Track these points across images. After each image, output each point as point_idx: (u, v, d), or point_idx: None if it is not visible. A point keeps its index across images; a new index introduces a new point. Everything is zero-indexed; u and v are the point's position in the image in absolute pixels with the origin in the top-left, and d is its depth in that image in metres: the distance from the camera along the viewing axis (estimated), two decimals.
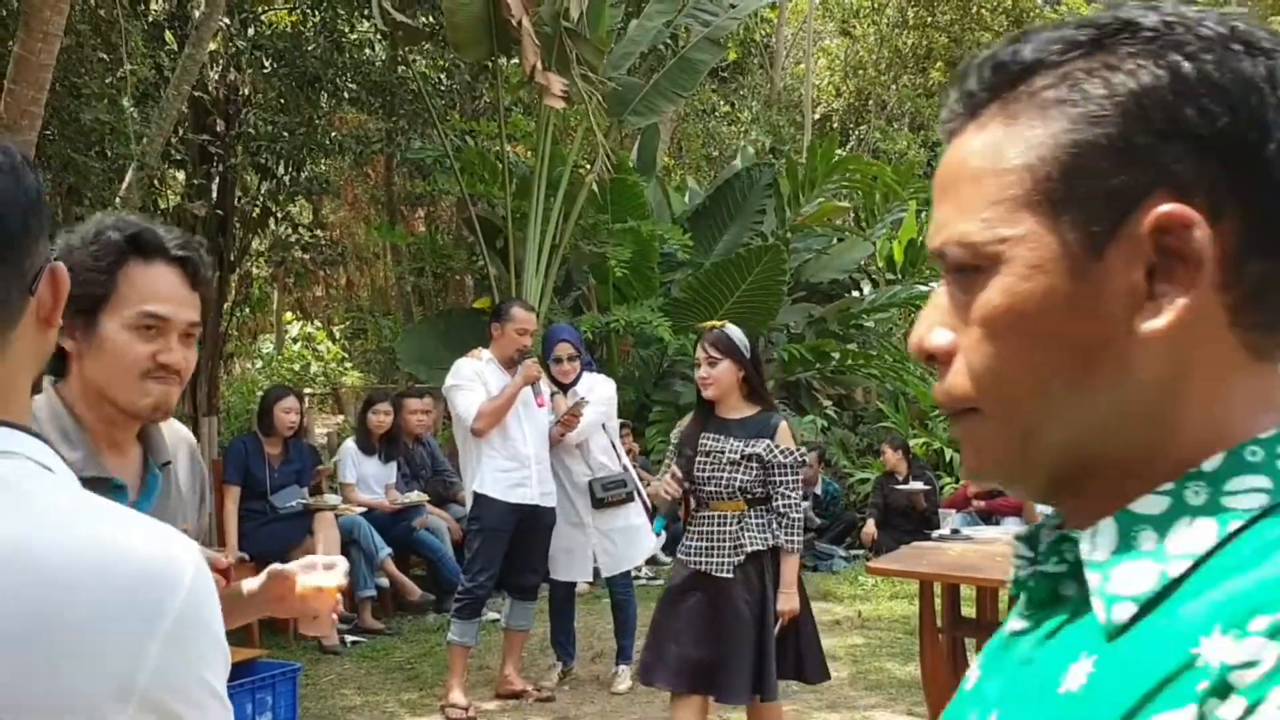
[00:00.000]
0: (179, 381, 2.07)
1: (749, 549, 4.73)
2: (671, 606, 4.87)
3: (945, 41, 30.27)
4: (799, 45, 29.37)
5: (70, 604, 0.97)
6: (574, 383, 6.68)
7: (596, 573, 6.99)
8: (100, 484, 1.96)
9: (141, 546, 1.02)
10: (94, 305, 2.02)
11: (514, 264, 11.83)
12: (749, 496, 4.76)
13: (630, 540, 6.76)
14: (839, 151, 16.13)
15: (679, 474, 4.92)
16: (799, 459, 4.79)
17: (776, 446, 4.74)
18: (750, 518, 4.76)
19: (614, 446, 6.80)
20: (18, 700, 0.95)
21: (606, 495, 6.64)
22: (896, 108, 30.76)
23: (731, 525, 4.77)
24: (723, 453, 4.77)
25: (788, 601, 4.72)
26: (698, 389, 4.88)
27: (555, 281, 12.20)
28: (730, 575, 4.74)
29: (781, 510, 4.74)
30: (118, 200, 9.00)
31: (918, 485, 10.82)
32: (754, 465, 4.74)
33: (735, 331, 4.81)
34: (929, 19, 29.75)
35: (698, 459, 4.83)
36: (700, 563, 4.81)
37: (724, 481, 4.77)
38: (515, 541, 6.41)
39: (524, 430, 6.41)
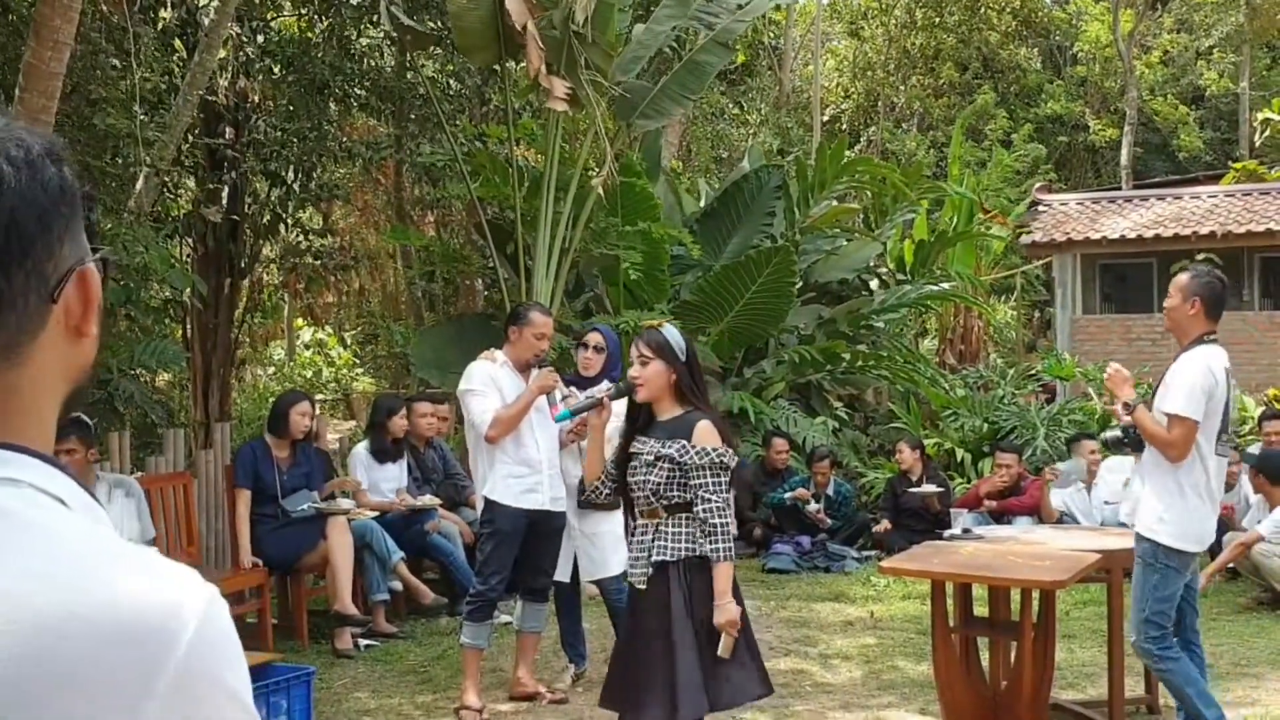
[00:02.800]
0: None
1: (654, 559, 4.49)
2: (621, 624, 4.76)
3: (954, 42, 30.24)
4: (807, 47, 29.38)
5: (59, 656, 0.87)
6: (594, 381, 6.68)
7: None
8: None
9: (141, 592, 0.92)
10: None
11: (524, 268, 11.85)
12: (665, 502, 4.50)
13: (613, 546, 6.72)
14: (848, 153, 16.12)
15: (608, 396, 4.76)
16: (718, 459, 4.44)
17: (692, 447, 4.45)
18: (667, 526, 4.51)
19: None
20: None
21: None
22: (905, 108, 30.75)
23: (648, 535, 4.56)
24: (640, 455, 4.57)
25: (722, 614, 4.39)
26: (630, 391, 4.63)
27: (566, 284, 12.22)
28: (644, 587, 4.55)
29: (701, 516, 4.43)
30: (130, 205, 9.05)
31: (931, 487, 10.82)
32: (665, 466, 4.48)
33: (671, 332, 4.61)
34: (937, 19, 29.72)
35: (630, 464, 4.63)
36: (633, 576, 4.66)
37: (643, 485, 4.53)
38: (526, 545, 6.42)
39: (536, 437, 6.41)
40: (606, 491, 4.74)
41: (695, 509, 4.43)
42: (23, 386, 0.99)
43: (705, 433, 4.45)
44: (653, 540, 4.51)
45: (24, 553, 0.91)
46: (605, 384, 5.33)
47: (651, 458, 4.49)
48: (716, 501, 4.41)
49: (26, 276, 0.97)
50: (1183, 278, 5.36)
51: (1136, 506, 5.50)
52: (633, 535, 4.69)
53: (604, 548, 6.70)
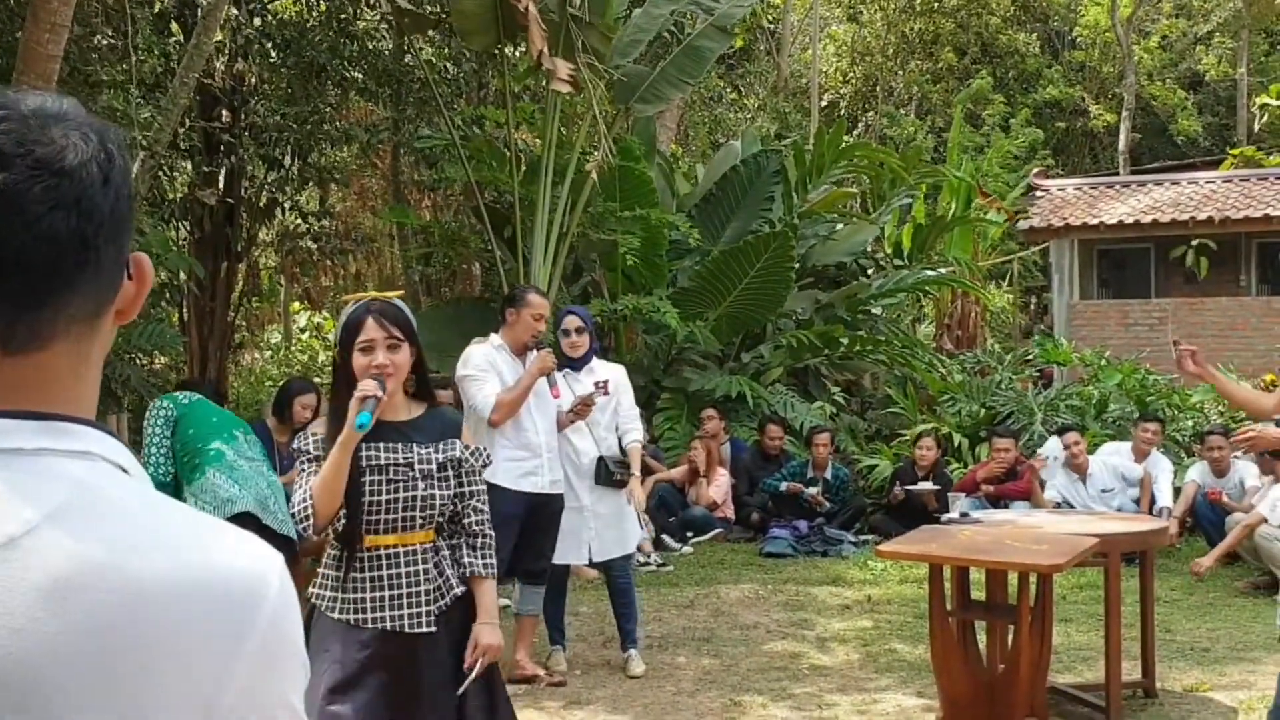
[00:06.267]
0: None
1: (457, 590, 3.56)
2: (349, 689, 3.40)
3: (952, 27, 30.19)
4: (805, 32, 29.32)
5: (156, 621, 0.93)
6: (583, 362, 6.71)
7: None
8: None
9: (227, 558, 0.98)
10: None
11: (522, 252, 11.84)
12: (443, 518, 3.59)
13: (623, 525, 6.77)
14: (846, 137, 16.10)
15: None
16: (488, 460, 3.80)
17: (467, 447, 3.66)
18: (445, 549, 3.59)
19: (616, 428, 6.86)
20: None
21: (617, 472, 6.65)
22: (904, 93, 30.70)
23: (427, 562, 3.54)
24: (410, 466, 3.52)
25: (491, 634, 3.54)
26: (337, 386, 3.62)
27: (564, 269, 12.22)
28: (434, 629, 3.52)
29: (476, 527, 3.62)
30: None
31: (928, 486, 10.84)
32: (449, 474, 3.59)
33: (404, 306, 3.76)
34: (936, 4, 29.67)
35: (367, 480, 3.49)
36: (385, 619, 3.48)
37: (417, 503, 3.51)
38: (525, 528, 6.42)
39: (535, 420, 6.41)
40: (343, 522, 3.56)
41: (464, 520, 3.62)
42: (92, 355, 1.04)
43: (468, 430, 3.79)
44: (440, 568, 3.57)
45: (111, 523, 0.96)
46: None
47: (433, 465, 3.55)
48: (488, 511, 3.70)
49: (120, 249, 1.04)
50: None
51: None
52: (379, 569, 3.53)
53: (615, 525, 6.73)
